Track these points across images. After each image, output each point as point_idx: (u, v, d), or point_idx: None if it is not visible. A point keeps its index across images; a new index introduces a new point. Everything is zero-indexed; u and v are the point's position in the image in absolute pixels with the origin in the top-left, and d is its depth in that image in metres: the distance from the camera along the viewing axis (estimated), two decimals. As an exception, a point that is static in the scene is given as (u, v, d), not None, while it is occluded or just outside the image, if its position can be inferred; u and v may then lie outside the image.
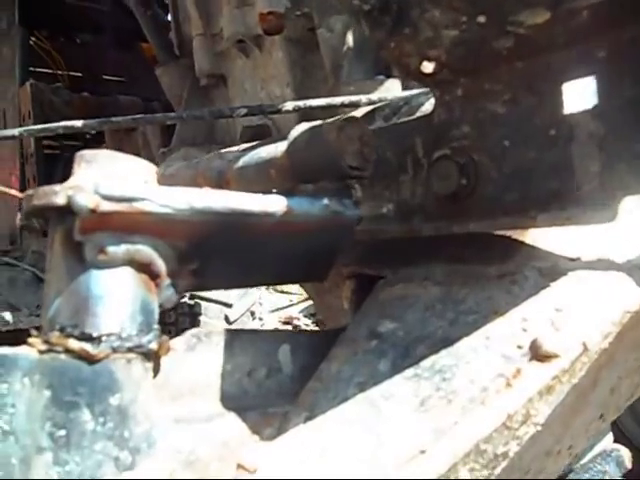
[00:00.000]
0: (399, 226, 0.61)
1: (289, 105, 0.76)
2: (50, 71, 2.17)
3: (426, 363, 0.45)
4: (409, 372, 0.45)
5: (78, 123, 0.77)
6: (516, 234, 0.54)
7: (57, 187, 0.37)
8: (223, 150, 0.72)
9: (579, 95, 0.48)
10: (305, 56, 1.12)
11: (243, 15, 1.11)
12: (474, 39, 0.50)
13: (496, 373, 0.41)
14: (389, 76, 0.91)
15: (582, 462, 0.85)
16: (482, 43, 0.50)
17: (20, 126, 1.78)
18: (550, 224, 0.49)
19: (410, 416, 0.41)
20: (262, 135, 1.08)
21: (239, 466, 0.44)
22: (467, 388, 0.41)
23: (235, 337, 0.51)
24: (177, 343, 0.47)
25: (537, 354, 0.41)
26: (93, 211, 0.36)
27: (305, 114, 0.87)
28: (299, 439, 0.44)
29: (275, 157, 0.60)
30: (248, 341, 0.52)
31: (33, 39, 2.12)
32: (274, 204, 0.44)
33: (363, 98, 0.74)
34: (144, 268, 0.41)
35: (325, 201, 0.48)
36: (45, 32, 2.22)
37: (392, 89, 0.88)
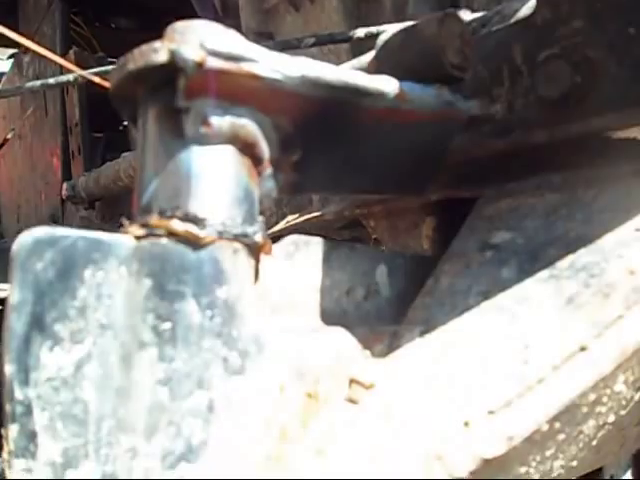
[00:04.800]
0: (498, 140, 0.55)
1: (360, 32, 0.70)
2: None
3: (563, 263, 0.39)
4: (543, 274, 0.39)
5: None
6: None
7: (156, 44, 0.32)
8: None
9: None
10: (359, 5, 1.06)
11: (294, -36, 1.06)
12: None
13: (663, 261, 0.35)
14: (458, 8, 0.85)
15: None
16: None
17: (63, 98, 1.77)
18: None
19: (557, 315, 0.36)
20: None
21: (353, 381, 0.38)
22: (627, 280, 0.35)
23: (333, 250, 0.45)
24: (275, 249, 0.42)
25: None
26: (200, 65, 0.31)
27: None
28: (420, 353, 0.39)
29: (361, 69, 0.55)
30: (345, 256, 0.46)
31: (72, 25, 2.12)
32: (387, 84, 0.39)
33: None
34: (248, 149, 0.36)
35: (437, 88, 0.42)
36: (82, 17, 2.23)
37: (464, 21, 0.81)
